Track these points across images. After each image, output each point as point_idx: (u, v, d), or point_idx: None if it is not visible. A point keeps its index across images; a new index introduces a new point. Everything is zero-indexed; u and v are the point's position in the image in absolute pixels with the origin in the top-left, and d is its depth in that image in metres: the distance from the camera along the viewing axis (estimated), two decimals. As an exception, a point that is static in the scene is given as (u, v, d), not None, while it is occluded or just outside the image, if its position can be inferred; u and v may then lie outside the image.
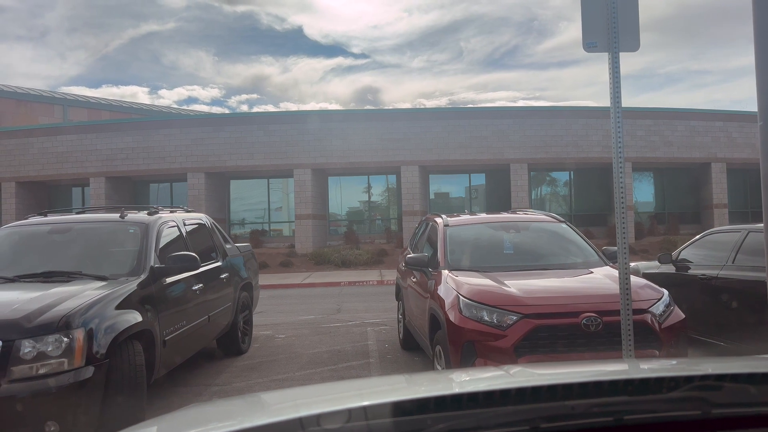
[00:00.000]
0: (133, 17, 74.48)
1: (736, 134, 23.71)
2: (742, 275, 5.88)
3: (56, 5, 70.85)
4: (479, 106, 38.23)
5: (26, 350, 3.84)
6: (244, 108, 78.87)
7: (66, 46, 74.56)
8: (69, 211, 7.01)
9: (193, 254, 5.59)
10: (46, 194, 24.77)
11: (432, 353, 5.42)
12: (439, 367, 5.15)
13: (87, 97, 34.55)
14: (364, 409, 1.12)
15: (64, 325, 3.97)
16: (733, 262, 6.11)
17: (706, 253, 6.77)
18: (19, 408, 3.78)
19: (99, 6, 71.69)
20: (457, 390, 1.39)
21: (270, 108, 75.04)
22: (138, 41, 75.78)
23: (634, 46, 4.32)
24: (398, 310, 8.00)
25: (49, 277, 4.96)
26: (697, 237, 7.22)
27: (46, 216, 6.37)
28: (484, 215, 7.78)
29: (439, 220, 6.79)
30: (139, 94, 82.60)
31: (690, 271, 6.74)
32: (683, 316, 5.00)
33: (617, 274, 4.41)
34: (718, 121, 23.72)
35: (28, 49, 72.30)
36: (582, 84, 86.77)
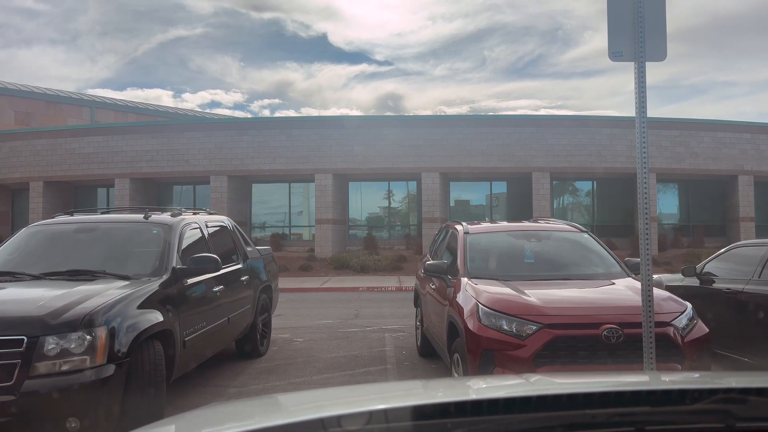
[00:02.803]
0: (162, 22, 75.71)
1: (765, 147, 23.28)
2: (769, 290, 5.77)
3: (88, 10, 72.29)
4: (502, 113, 38.11)
5: (50, 347, 3.90)
6: (266, 113, 79.64)
7: (96, 49, 75.99)
8: (94, 211, 7.12)
9: (215, 256, 5.64)
10: (72, 194, 25.19)
11: (450, 361, 5.40)
12: (456, 375, 5.12)
13: (114, 99, 35.13)
14: (385, 411, 1.12)
15: (87, 322, 4.03)
16: (759, 277, 5.99)
17: (731, 266, 6.65)
18: (41, 403, 3.84)
19: (130, 11, 73.00)
20: (477, 396, 1.39)
21: (291, 113, 75.70)
22: (166, 46, 77.01)
23: (660, 55, 4.27)
24: (416, 317, 7.98)
25: (74, 276, 5.03)
26: (723, 250, 7.10)
27: (72, 215, 6.48)
28: (505, 223, 7.74)
29: (459, 227, 6.76)
30: (163, 97, 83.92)
31: (714, 285, 6.62)
32: (707, 330, 4.92)
33: (639, 286, 4.35)
34: (746, 133, 23.32)
35: (60, 52, 73.88)
36: (606, 94, 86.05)
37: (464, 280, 5.56)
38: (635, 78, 4.25)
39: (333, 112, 71.97)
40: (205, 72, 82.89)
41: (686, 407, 1.18)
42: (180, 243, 5.69)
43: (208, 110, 51.62)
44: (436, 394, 1.52)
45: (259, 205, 25.25)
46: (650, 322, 4.13)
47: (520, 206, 23.21)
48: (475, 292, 5.14)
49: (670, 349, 4.59)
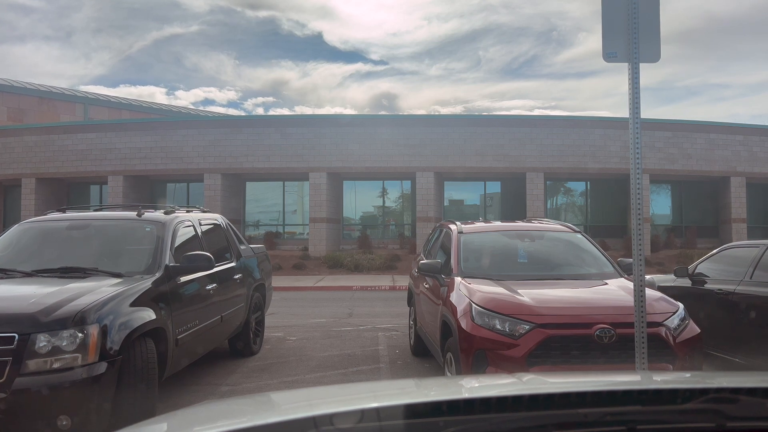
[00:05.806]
0: (157, 20, 75.44)
1: (757, 148, 23.41)
2: (760, 291, 5.80)
3: (83, 7, 71.95)
4: (496, 113, 38.22)
5: (41, 344, 3.88)
6: (260, 111, 79.49)
7: (91, 46, 75.67)
8: (87, 208, 7.08)
9: (208, 254, 5.62)
10: (65, 191, 25.06)
11: (443, 360, 5.40)
12: (449, 374, 5.13)
13: (108, 96, 34.94)
14: (377, 410, 1.12)
15: (79, 320, 4.01)
16: (750, 278, 6.02)
17: (723, 267, 6.68)
18: (32, 401, 3.82)
19: (124, 8, 72.72)
20: (469, 395, 1.39)
21: (286, 111, 75.64)
22: (161, 43, 76.76)
23: (654, 57, 4.29)
24: (410, 316, 7.98)
25: (66, 273, 5.00)
26: (715, 251, 7.13)
27: (64, 212, 6.45)
28: (498, 223, 7.75)
29: (453, 226, 6.77)
30: (156, 95, 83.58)
31: (706, 286, 6.66)
32: (698, 330, 4.94)
33: (632, 287, 4.37)
34: (738, 135, 23.44)
35: (54, 48, 73.55)
36: (599, 95, 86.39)
37: (458, 279, 5.57)
38: (629, 79, 4.27)
39: (328, 110, 71.93)
40: (200, 70, 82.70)
41: (678, 407, 1.19)
42: (173, 241, 5.67)
43: (201, 108, 51.49)
44: (428, 392, 1.52)
45: (253, 203, 25.20)
46: (642, 322, 4.15)
47: (514, 206, 23.26)
48: (468, 292, 5.14)
49: (662, 349, 4.61)
